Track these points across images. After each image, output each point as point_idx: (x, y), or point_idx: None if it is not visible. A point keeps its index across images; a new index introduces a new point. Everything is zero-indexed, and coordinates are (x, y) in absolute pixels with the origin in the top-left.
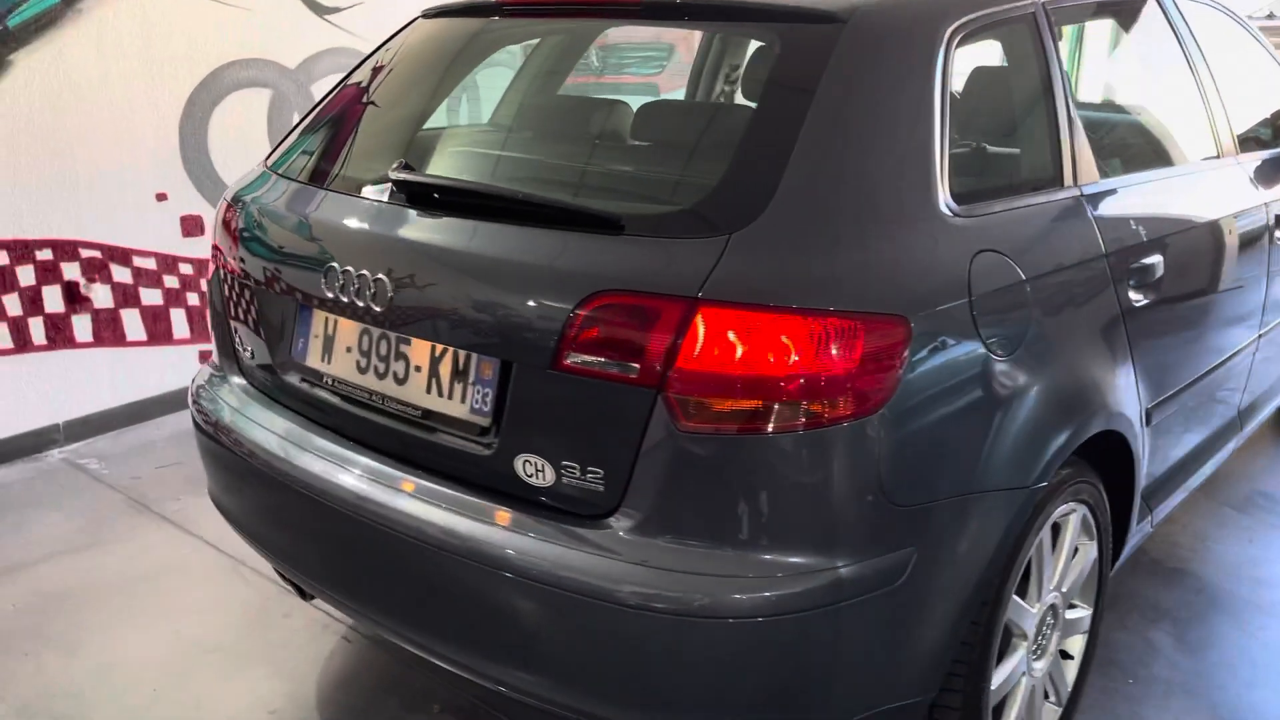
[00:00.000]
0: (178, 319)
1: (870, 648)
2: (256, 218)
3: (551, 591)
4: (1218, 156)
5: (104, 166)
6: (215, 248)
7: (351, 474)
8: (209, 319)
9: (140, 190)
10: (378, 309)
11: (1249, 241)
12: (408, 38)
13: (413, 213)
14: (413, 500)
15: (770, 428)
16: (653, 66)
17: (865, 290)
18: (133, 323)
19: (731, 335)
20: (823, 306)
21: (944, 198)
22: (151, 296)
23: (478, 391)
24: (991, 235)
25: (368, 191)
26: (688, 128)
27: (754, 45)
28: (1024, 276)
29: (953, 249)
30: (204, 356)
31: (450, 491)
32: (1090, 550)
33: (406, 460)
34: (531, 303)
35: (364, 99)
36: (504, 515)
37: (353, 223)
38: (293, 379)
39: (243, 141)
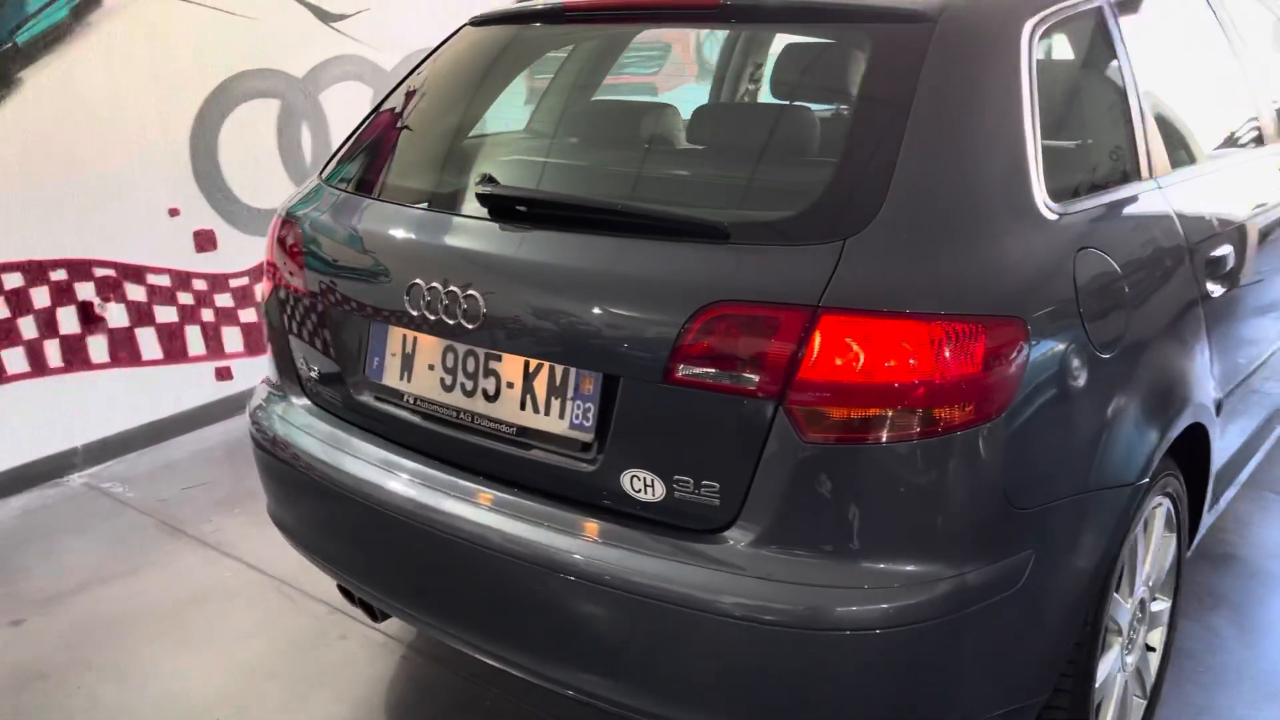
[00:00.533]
0: (193, 336)
1: (990, 654)
2: (323, 234)
3: (671, 609)
4: (1262, 143)
5: (115, 183)
6: (271, 265)
7: (442, 493)
8: (267, 337)
9: (152, 206)
10: (470, 325)
11: None
12: (457, 46)
13: (501, 226)
14: (513, 519)
15: (895, 435)
16: (651, 66)
17: (982, 293)
18: (148, 341)
19: (853, 343)
20: (943, 311)
21: (1042, 196)
22: (166, 314)
23: (578, 407)
24: (1088, 232)
25: (449, 205)
26: (772, 132)
27: (826, 47)
28: (1120, 273)
29: (1056, 247)
30: (220, 374)
31: (552, 509)
32: (1170, 543)
33: (500, 479)
34: (640, 315)
35: (422, 110)
36: (612, 532)
37: (437, 238)
38: (366, 398)
39: (253, 153)
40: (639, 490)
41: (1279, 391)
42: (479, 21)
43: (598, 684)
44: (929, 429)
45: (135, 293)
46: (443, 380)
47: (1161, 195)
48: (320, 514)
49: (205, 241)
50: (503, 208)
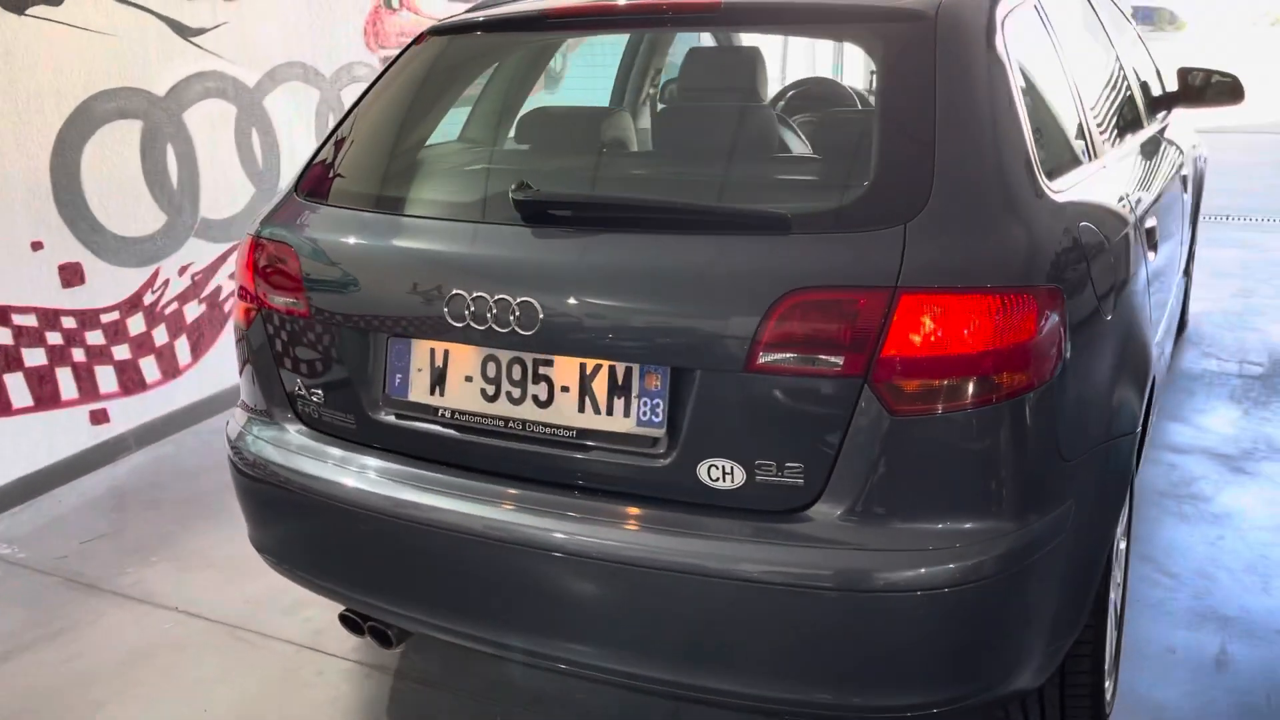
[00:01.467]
0: (64, 379)
1: (1043, 599)
2: (326, 251)
3: (768, 588)
4: (1142, 123)
5: None
6: (246, 289)
7: (495, 505)
8: (246, 363)
9: (13, 240)
10: (525, 332)
11: (1179, 193)
12: (428, 53)
13: (545, 231)
14: (582, 521)
15: (968, 402)
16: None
17: (1027, 265)
18: (17, 388)
19: (930, 319)
20: (1000, 283)
21: (1040, 175)
22: (34, 357)
23: (644, 404)
24: (1080, 208)
25: (476, 214)
26: (810, 129)
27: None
28: (1107, 243)
29: (1063, 221)
30: (96, 417)
31: (621, 507)
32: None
33: (557, 483)
34: (716, 308)
35: (410, 120)
36: (691, 522)
37: (475, 247)
38: (387, 417)
39: (118, 179)
40: (717, 479)
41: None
42: (444, 30)
43: (694, 675)
44: (997, 394)
45: (0, 335)
46: (484, 391)
47: (1107, 174)
48: (337, 538)
49: (72, 275)
50: (543, 212)
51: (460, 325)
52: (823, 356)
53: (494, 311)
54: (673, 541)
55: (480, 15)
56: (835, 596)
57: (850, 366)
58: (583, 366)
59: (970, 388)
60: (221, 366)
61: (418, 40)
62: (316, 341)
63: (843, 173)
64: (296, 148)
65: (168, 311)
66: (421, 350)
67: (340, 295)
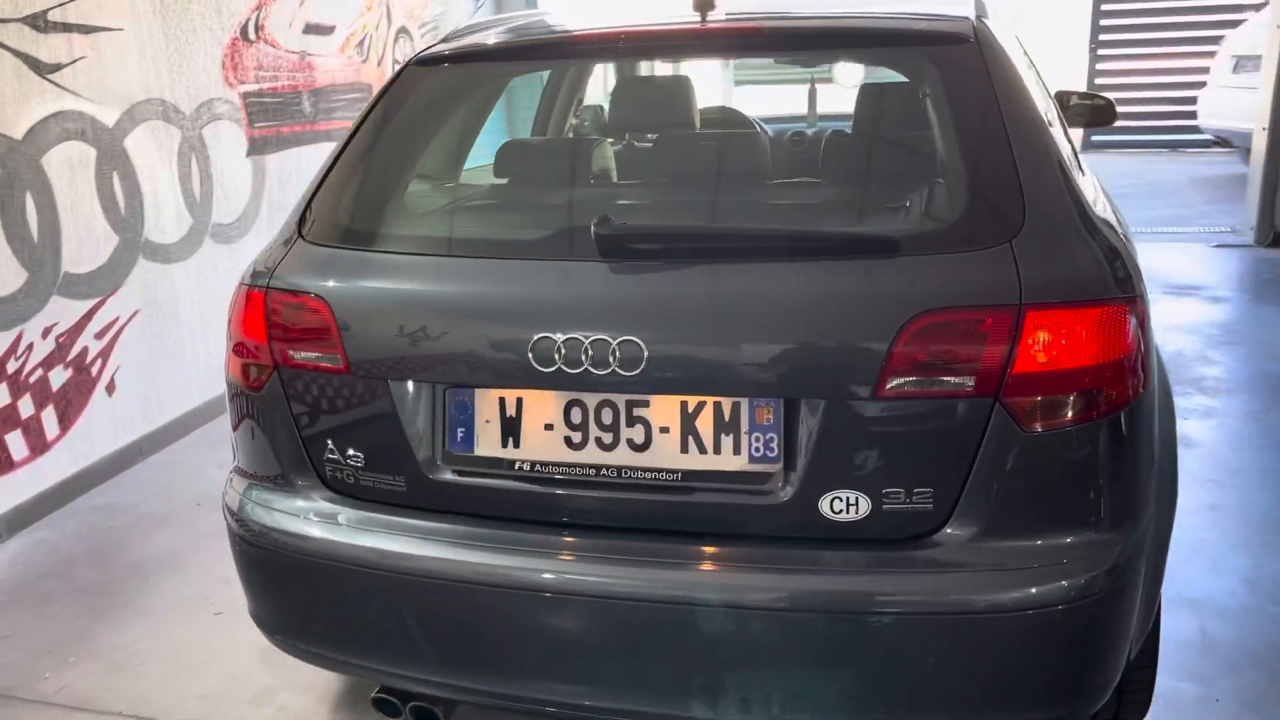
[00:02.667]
0: None
1: (1137, 602)
2: (358, 300)
3: (902, 619)
4: None
5: None
6: (253, 346)
7: (589, 559)
8: (246, 430)
9: None
10: (627, 373)
11: None
12: (427, 83)
13: (634, 265)
14: (689, 568)
15: (1092, 413)
16: (356, 110)
17: (1117, 275)
18: None
19: (1052, 334)
20: (1105, 295)
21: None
22: None
23: (757, 439)
24: (1105, 214)
25: (548, 251)
26: (871, 152)
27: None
28: (1127, 244)
29: (1117, 230)
30: None
31: (734, 549)
32: None
33: (657, 530)
34: (837, 335)
35: (424, 151)
36: (816, 559)
37: (558, 286)
38: (447, 476)
39: None
40: (840, 512)
41: None
42: (458, 57)
43: (823, 714)
44: (1110, 403)
45: None
46: (568, 439)
47: (1094, 186)
48: (388, 610)
49: None
50: (626, 246)
51: (549, 370)
52: (953, 378)
53: (590, 353)
54: (797, 580)
55: (495, 41)
56: (974, 620)
57: (981, 386)
58: (684, 405)
59: (1089, 399)
60: (92, 435)
61: (429, 62)
62: (355, 400)
63: (932, 195)
64: (160, 193)
65: (33, 380)
66: (488, 400)
67: (389, 348)
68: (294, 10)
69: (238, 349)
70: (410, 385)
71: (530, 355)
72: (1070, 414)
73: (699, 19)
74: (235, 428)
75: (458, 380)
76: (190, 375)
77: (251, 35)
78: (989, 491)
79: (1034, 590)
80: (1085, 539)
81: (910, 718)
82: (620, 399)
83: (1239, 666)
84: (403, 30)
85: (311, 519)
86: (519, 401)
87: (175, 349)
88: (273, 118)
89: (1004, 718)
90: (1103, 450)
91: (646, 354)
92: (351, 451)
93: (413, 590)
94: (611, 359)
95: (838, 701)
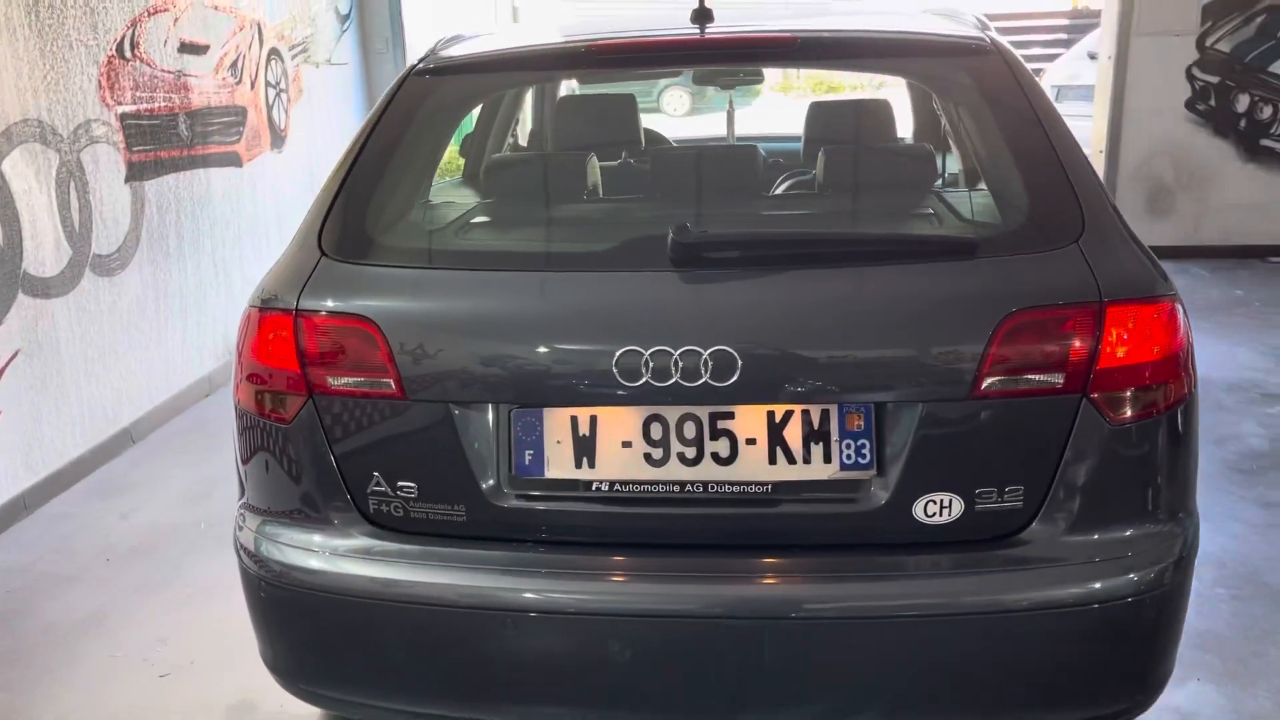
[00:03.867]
0: None
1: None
2: (413, 321)
3: (1000, 618)
4: None
5: None
6: (278, 375)
7: (677, 579)
8: (271, 467)
9: None
10: (720, 384)
11: None
12: (442, 93)
13: (714, 274)
14: (783, 582)
15: (1164, 404)
16: (232, 134)
17: (1161, 273)
18: None
19: (1130, 329)
20: (1161, 292)
21: None
22: None
23: (848, 447)
24: None
25: (617, 263)
26: (913, 162)
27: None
28: None
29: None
30: None
31: (827, 559)
32: None
33: (744, 546)
34: (931, 338)
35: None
36: (912, 564)
37: (637, 297)
38: (513, 502)
39: None
40: (933, 515)
41: None
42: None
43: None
44: (1177, 395)
45: None
46: (648, 455)
47: None
48: (448, 647)
49: None
50: (701, 256)
51: (635, 385)
52: (1043, 375)
53: (680, 365)
54: (895, 587)
55: (501, 50)
56: (1062, 615)
57: (1070, 382)
58: (771, 415)
59: (1158, 394)
60: None
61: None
62: (409, 426)
63: (996, 199)
64: (39, 221)
65: None
66: (558, 420)
67: (449, 369)
68: (169, 27)
69: (254, 378)
70: (472, 408)
71: (615, 370)
72: (1143, 408)
73: (698, 30)
74: (246, 461)
75: (525, 400)
76: (76, 419)
77: (128, 53)
78: (1074, 487)
79: (1114, 583)
80: (1153, 531)
81: (1007, 715)
82: (703, 412)
83: (1213, 634)
84: (274, 52)
85: (355, 557)
86: (593, 419)
87: (58, 392)
88: (151, 141)
89: (1087, 711)
90: (1166, 444)
91: (740, 364)
92: (402, 482)
93: (481, 624)
94: (704, 370)
95: (939, 702)
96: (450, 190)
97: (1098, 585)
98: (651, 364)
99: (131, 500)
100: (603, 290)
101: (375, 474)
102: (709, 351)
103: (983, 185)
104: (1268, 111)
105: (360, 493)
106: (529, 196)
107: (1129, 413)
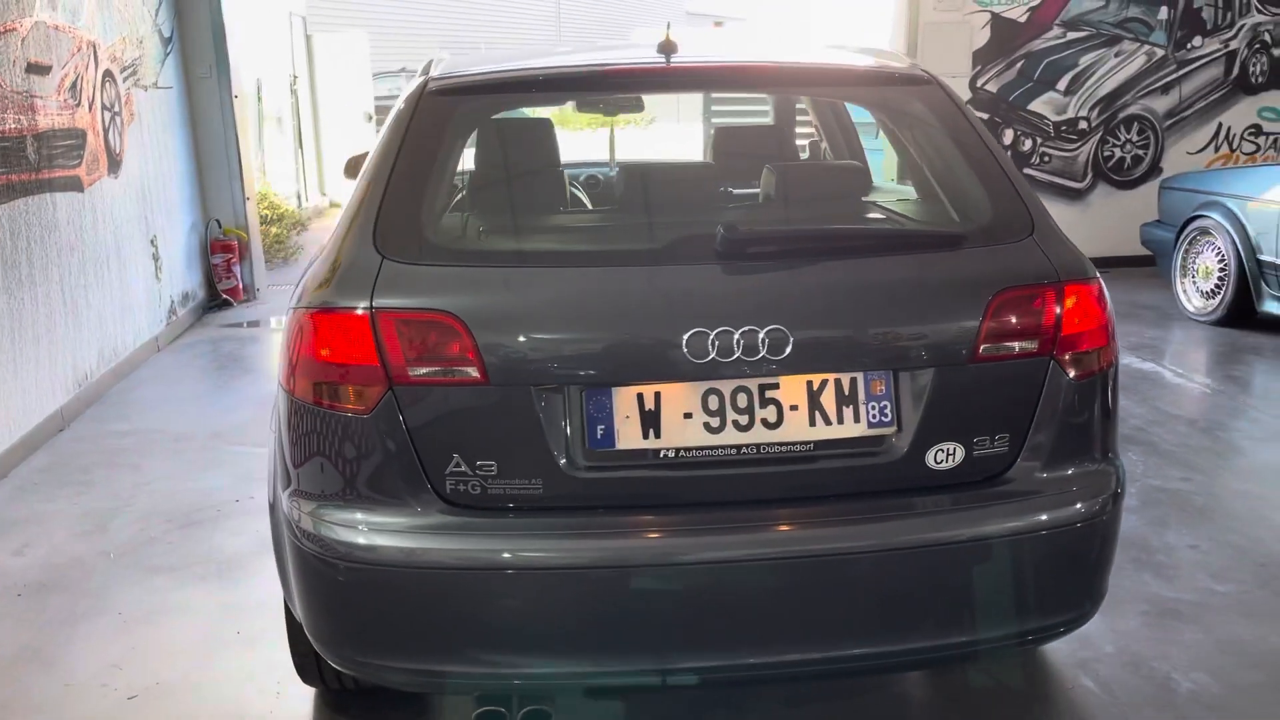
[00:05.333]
0: None
1: None
2: (493, 312)
3: (994, 543)
4: None
5: None
6: (363, 370)
7: (737, 530)
8: (339, 455)
9: None
10: (776, 358)
11: None
12: (457, 112)
13: (755, 265)
14: (828, 525)
15: (1102, 365)
16: (74, 158)
17: (1087, 259)
18: None
19: (1078, 303)
20: (1092, 275)
21: None
22: None
23: (873, 408)
24: None
25: (672, 256)
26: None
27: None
28: None
29: None
30: None
31: (858, 504)
32: None
33: (789, 498)
34: (942, 312)
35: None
36: (926, 504)
37: (695, 285)
38: (583, 474)
39: None
40: (941, 461)
41: None
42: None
43: (924, 638)
44: (1108, 360)
45: None
46: (707, 424)
47: None
48: (530, 611)
49: None
50: (745, 250)
51: (702, 362)
52: (1022, 342)
53: (741, 343)
54: (914, 523)
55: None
56: (1041, 538)
57: (1042, 347)
58: (809, 384)
59: (1098, 356)
60: None
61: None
62: (492, 410)
63: (966, 199)
64: None
65: None
66: (626, 397)
67: (529, 356)
68: (17, 47)
69: (321, 374)
70: (550, 390)
71: (685, 350)
72: (1089, 368)
73: (664, 59)
74: (303, 452)
75: (596, 381)
76: None
77: None
78: (1044, 433)
79: (1076, 510)
80: (1097, 469)
81: (1000, 625)
82: (753, 383)
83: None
84: (108, 74)
85: (436, 533)
86: (657, 395)
87: None
88: (2, 164)
89: (1056, 618)
90: (1104, 398)
91: (791, 340)
92: (481, 461)
93: (563, 583)
94: (761, 346)
95: (949, 618)
96: (479, 197)
97: (1065, 512)
98: (717, 342)
99: (19, 538)
100: (664, 281)
101: (455, 455)
102: (765, 330)
103: (935, 191)
104: (1029, 144)
105: (438, 474)
106: (569, 202)
107: (1080, 371)
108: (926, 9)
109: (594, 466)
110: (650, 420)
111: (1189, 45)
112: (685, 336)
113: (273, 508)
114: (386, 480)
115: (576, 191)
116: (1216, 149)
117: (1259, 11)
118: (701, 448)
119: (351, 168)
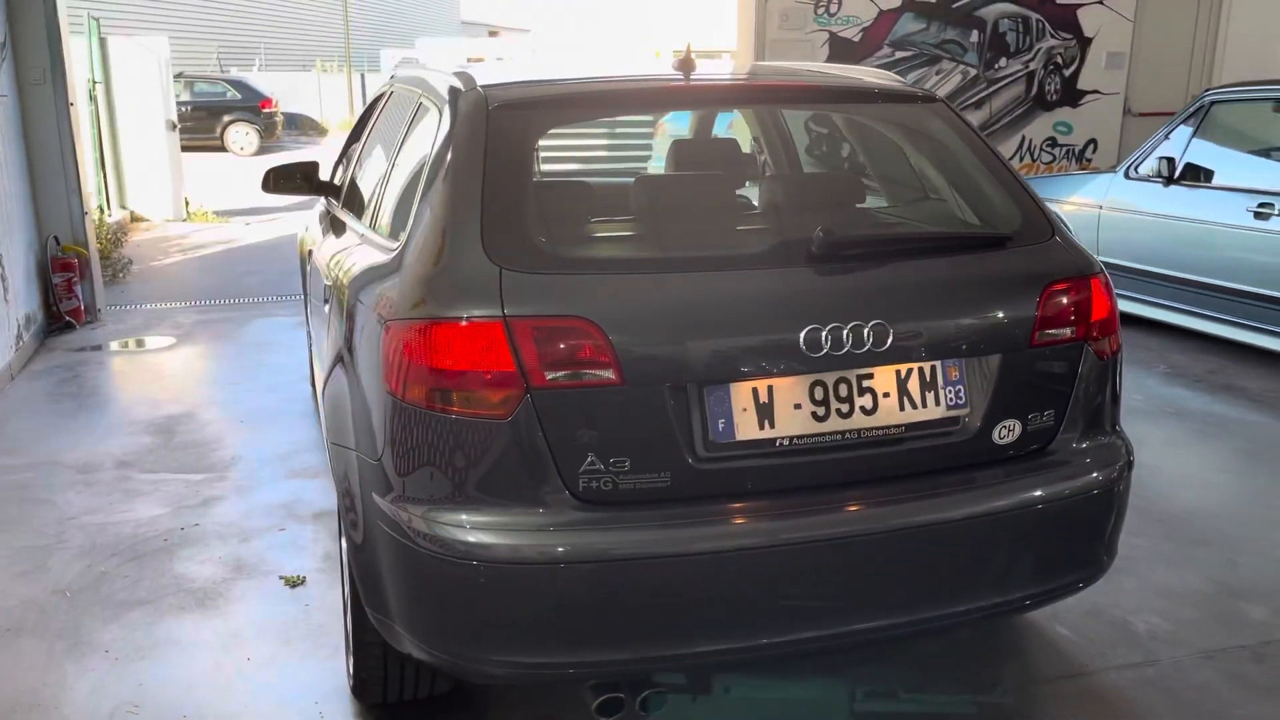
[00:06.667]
0: None
1: None
2: (625, 317)
3: (1049, 507)
4: None
5: None
6: (500, 377)
7: (842, 509)
8: (479, 459)
9: None
10: (880, 349)
11: None
12: (529, 126)
13: (846, 266)
14: (921, 499)
15: (1113, 351)
16: None
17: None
18: None
19: (1098, 295)
20: (1100, 269)
21: None
22: None
23: (950, 392)
24: None
25: (767, 260)
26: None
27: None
28: None
29: None
30: None
31: (940, 479)
32: None
33: (882, 477)
34: (1003, 305)
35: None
36: (992, 475)
37: (805, 286)
38: (708, 465)
39: None
40: (1003, 437)
41: None
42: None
43: (986, 597)
44: (1117, 345)
45: None
46: (814, 413)
47: None
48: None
49: None
50: (840, 253)
51: (817, 355)
52: (1065, 328)
53: (850, 337)
54: (984, 492)
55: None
56: (1082, 500)
57: (1079, 333)
58: (898, 373)
59: (1111, 339)
60: None
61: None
62: (627, 408)
63: (995, 207)
64: None
65: None
66: (742, 391)
67: (661, 356)
68: None
69: (448, 383)
70: (677, 388)
71: (801, 344)
72: (1109, 350)
73: (734, 76)
74: (419, 459)
75: (717, 377)
76: None
77: None
78: (1079, 409)
79: (1104, 475)
80: (1112, 440)
81: (1048, 578)
82: (852, 374)
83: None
84: None
85: (575, 529)
86: (770, 388)
87: None
88: None
89: (1084, 572)
90: (1115, 378)
91: (891, 333)
92: (615, 459)
93: (701, 568)
94: (867, 340)
95: (1015, 575)
96: (567, 204)
97: (1097, 476)
98: (830, 337)
99: None
100: (774, 282)
101: (590, 455)
102: (869, 325)
103: (995, 196)
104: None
105: (571, 472)
106: (671, 208)
107: (1103, 353)
108: (772, 28)
109: (715, 457)
110: (765, 412)
111: (996, 66)
112: (802, 333)
113: (349, 518)
114: (519, 480)
115: (657, 199)
116: (1020, 159)
117: (1052, 36)
118: (809, 435)
119: (280, 182)
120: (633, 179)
